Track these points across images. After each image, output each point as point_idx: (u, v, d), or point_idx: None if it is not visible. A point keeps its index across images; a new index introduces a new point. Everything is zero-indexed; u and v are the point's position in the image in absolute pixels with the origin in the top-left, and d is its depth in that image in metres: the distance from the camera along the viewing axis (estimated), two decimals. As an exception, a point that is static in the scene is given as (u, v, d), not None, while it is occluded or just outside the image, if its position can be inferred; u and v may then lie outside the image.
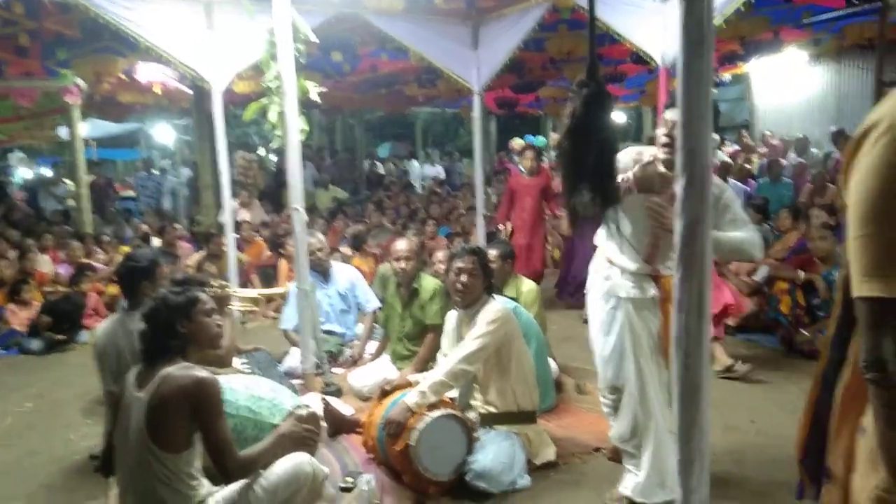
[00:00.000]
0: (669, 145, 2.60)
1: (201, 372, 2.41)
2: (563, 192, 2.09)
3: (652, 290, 2.81)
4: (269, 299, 7.07)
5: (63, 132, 11.88)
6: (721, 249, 2.60)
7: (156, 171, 14.04)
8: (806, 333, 4.98)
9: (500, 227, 6.90)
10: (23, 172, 18.00)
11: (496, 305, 3.33)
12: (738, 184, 9.25)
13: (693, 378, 2.04)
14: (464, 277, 3.32)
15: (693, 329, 2.04)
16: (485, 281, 3.40)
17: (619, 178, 2.48)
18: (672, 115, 2.62)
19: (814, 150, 10.90)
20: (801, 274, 5.19)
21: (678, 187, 2.06)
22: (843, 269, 1.40)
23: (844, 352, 1.47)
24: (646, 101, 12.73)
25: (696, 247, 2.04)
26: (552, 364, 4.26)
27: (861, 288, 1.05)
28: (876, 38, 7.49)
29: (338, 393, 4.29)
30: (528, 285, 4.55)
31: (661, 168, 2.63)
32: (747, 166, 11.00)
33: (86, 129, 12.12)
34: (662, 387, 2.84)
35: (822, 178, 8.31)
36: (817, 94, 12.76)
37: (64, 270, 7.22)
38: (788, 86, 12.79)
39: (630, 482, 2.92)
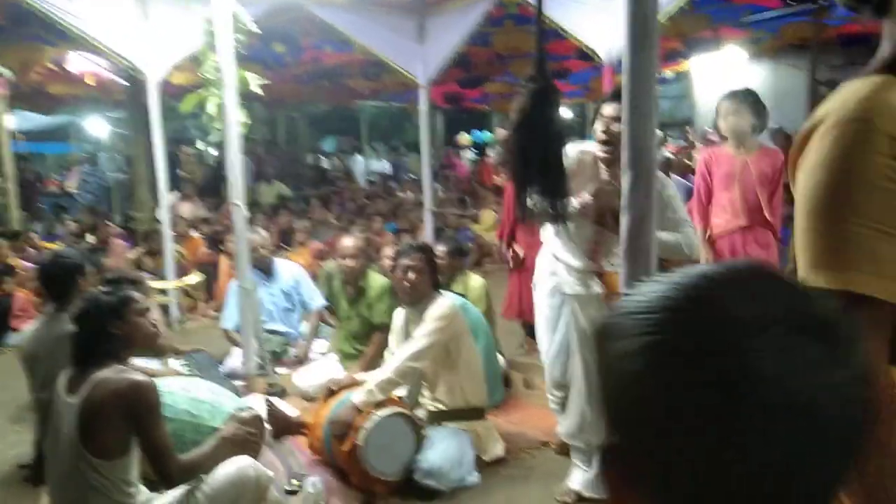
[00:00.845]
0: (608, 142, 2.60)
1: (137, 375, 2.31)
2: (512, 188, 2.06)
3: (596, 287, 2.81)
4: (210, 297, 6.88)
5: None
6: (659, 248, 2.63)
7: (97, 166, 13.55)
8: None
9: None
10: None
11: (444, 302, 3.30)
12: (681, 179, 9.45)
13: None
14: (410, 275, 3.28)
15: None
16: (432, 278, 3.36)
17: (576, 202, 2.47)
18: (610, 109, 2.61)
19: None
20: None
21: (624, 183, 2.07)
22: (791, 262, 1.40)
23: None
24: (590, 97, 12.87)
25: (641, 242, 2.05)
26: (500, 359, 4.25)
27: (808, 279, 1.06)
28: (811, 39, 7.75)
29: (282, 394, 4.19)
30: (476, 281, 4.53)
31: (603, 168, 2.62)
32: (687, 162, 11.26)
33: (12, 121, 11.56)
34: None
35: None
36: (756, 91, 13.14)
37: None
38: (728, 83, 13.11)
39: (579, 477, 2.93)
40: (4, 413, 4.36)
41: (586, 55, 6.19)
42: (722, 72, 12.61)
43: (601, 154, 2.58)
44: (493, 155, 18.50)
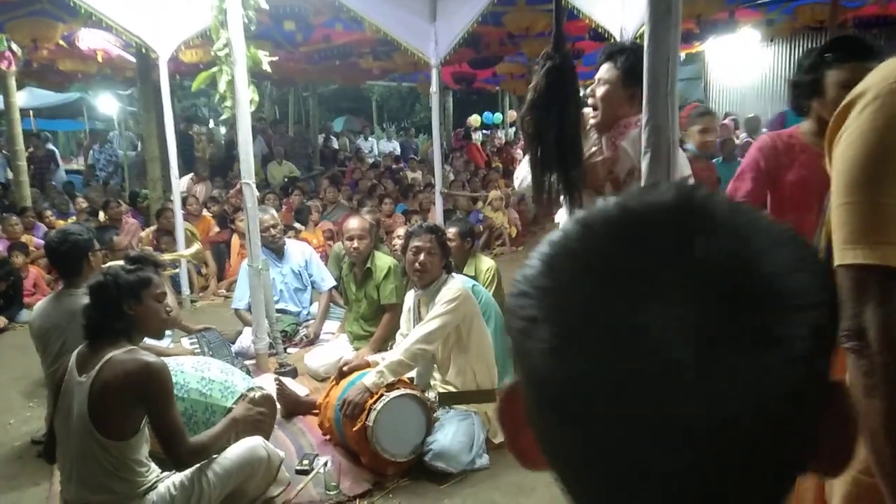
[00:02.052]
0: (594, 107, 2.39)
1: (149, 356, 2.30)
2: (529, 167, 2.02)
3: None
4: (220, 278, 6.90)
5: (-2, 101, 11.32)
6: None
7: (108, 144, 13.57)
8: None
9: None
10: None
11: (455, 284, 3.28)
12: (693, 162, 9.38)
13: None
14: (422, 256, 3.25)
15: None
16: (443, 259, 3.34)
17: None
18: (603, 72, 2.47)
19: (764, 129, 11.10)
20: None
21: (643, 164, 2.03)
22: (824, 240, 1.38)
23: None
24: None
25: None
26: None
27: (844, 256, 1.02)
28: (827, 20, 7.62)
29: (293, 373, 4.19)
30: (487, 263, 4.50)
31: (594, 135, 2.47)
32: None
33: (23, 98, 11.56)
34: None
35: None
36: (769, 74, 12.99)
37: (2, 246, 6.89)
38: (742, 65, 12.99)
39: None
40: (17, 389, 4.38)
41: (600, 35, 6.11)
42: (736, 54, 12.47)
43: (591, 120, 2.45)
44: (500, 136, 18.43)
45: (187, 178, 9.03)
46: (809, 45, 11.98)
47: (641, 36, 4.99)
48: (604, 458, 0.39)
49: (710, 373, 0.36)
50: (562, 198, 2.08)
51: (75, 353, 2.36)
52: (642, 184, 1.97)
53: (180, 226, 5.96)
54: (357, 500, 2.89)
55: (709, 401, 0.36)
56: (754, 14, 9.46)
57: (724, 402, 0.36)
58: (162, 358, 2.39)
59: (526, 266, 0.44)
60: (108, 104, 17.04)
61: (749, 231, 0.40)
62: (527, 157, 2.30)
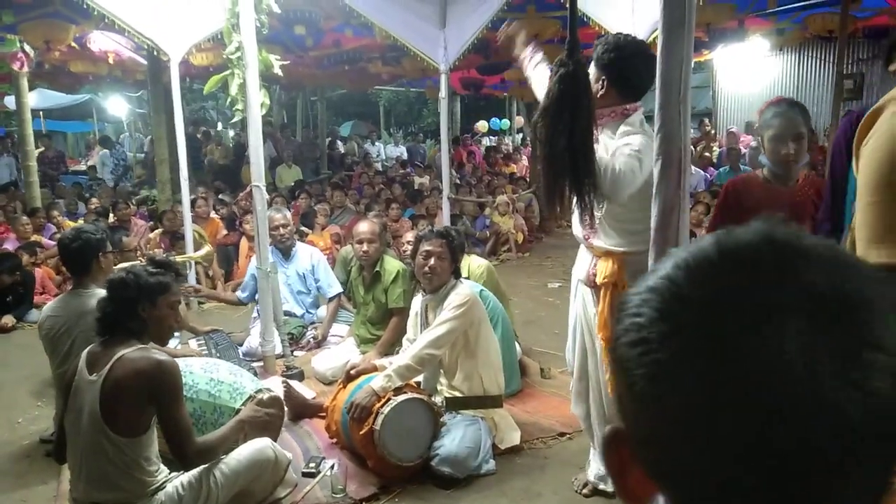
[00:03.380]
0: None
1: (160, 355, 2.31)
2: (541, 173, 2.03)
3: (598, 270, 2.62)
4: (228, 279, 6.92)
5: (9, 101, 11.39)
6: None
7: (118, 147, 13.69)
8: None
9: None
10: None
11: (463, 290, 3.28)
12: (700, 171, 9.38)
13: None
14: (432, 261, 3.26)
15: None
16: (452, 264, 3.34)
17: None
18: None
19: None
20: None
21: (654, 171, 2.03)
22: (851, 232, 1.37)
23: None
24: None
25: (669, 233, 2.02)
26: (517, 348, 4.23)
27: (869, 254, 1.01)
28: (837, 30, 7.62)
29: (300, 376, 4.20)
30: (477, 262, 4.49)
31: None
32: (707, 154, 11.16)
33: (33, 99, 11.64)
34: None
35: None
36: (778, 84, 12.98)
37: (11, 246, 6.93)
38: (750, 74, 12.99)
39: (595, 469, 2.91)
40: (26, 388, 4.40)
41: (610, 43, 6.10)
42: (745, 63, 12.47)
43: None
44: (508, 142, 18.45)
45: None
46: (819, 55, 11.99)
47: (652, 43, 5.00)
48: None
49: (839, 382, 0.40)
50: (573, 205, 2.08)
51: (85, 352, 2.38)
52: (654, 190, 1.97)
53: (189, 228, 5.99)
54: (363, 504, 2.89)
55: (837, 408, 0.40)
56: (764, 23, 9.46)
57: (851, 408, 0.40)
58: (176, 360, 2.41)
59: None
60: (117, 106, 17.17)
61: (829, 256, 0.44)
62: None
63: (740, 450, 0.41)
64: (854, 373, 0.40)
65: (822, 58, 11.91)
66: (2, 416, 4.00)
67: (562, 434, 3.45)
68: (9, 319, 5.83)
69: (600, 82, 2.49)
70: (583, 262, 2.72)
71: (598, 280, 2.54)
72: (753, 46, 10.44)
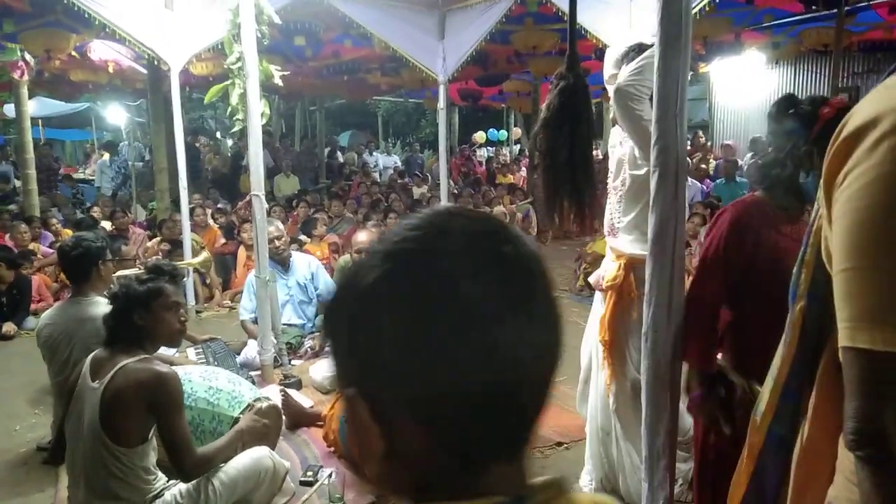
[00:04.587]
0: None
1: (161, 366, 2.32)
2: (541, 185, 2.05)
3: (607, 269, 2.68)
4: (226, 288, 6.93)
5: (10, 110, 11.42)
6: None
7: (118, 155, 13.69)
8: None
9: None
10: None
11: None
12: (696, 182, 9.44)
13: (661, 374, 2.05)
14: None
15: (662, 324, 2.04)
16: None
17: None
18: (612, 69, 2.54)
19: (771, 150, 11.16)
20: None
21: (651, 184, 2.06)
22: (801, 299, 1.20)
23: (801, 401, 1.24)
24: (608, 97, 12.82)
25: (667, 243, 2.04)
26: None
27: (854, 337, 0.79)
28: (832, 44, 7.68)
29: (297, 385, 4.20)
30: None
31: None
32: (703, 166, 11.21)
33: (32, 107, 11.66)
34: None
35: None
36: (774, 96, 13.06)
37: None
38: (746, 87, 13.07)
39: (587, 479, 2.92)
40: (23, 396, 4.40)
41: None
42: (741, 76, 12.55)
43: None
44: (505, 153, 18.51)
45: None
46: (814, 69, 12.08)
47: (648, 56, 5.05)
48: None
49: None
50: (573, 216, 2.11)
51: (89, 358, 2.39)
52: (651, 201, 2.00)
53: (188, 235, 6.00)
54: (361, 513, 2.89)
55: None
56: (760, 36, 9.53)
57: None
58: (174, 368, 2.41)
59: None
60: (116, 115, 17.17)
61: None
62: None
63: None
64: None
65: (818, 71, 12.00)
66: (-1, 424, 4.00)
67: (559, 444, 3.46)
68: (10, 327, 5.83)
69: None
70: (603, 266, 2.77)
71: (605, 283, 2.56)
72: (750, 59, 10.52)
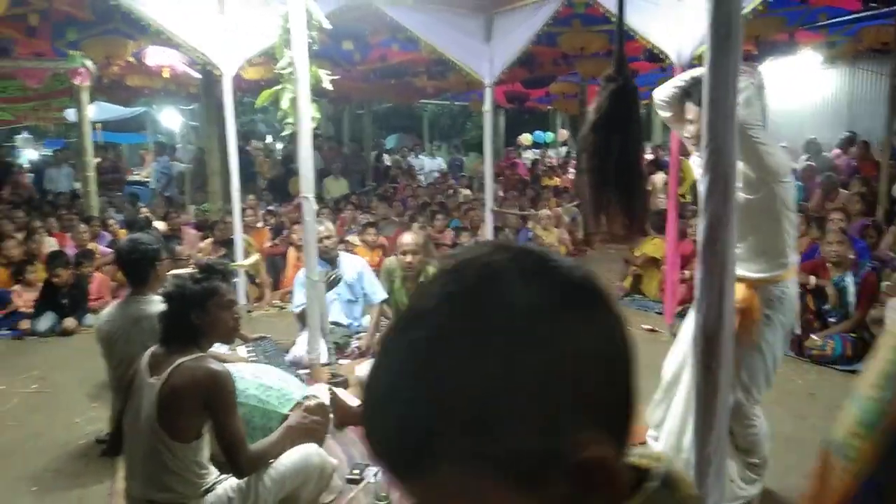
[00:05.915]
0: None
1: (216, 365, 2.38)
2: (588, 188, 2.05)
3: None
4: (276, 287, 7.06)
5: (70, 114, 11.86)
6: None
7: (166, 157, 14.08)
8: (816, 339, 4.95)
9: None
10: (28, 154, 18.00)
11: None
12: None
13: (711, 381, 2.02)
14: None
15: (712, 331, 2.01)
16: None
17: None
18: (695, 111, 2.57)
19: (825, 153, 10.85)
20: (813, 279, 5.15)
21: (701, 187, 2.03)
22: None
23: None
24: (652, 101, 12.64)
25: (717, 247, 2.01)
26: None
27: None
28: (892, 43, 7.43)
29: (345, 384, 4.26)
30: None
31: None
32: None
33: (92, 111, 12.09)
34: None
35: (831, 182, 8.26)
36: (830, 97, 12.69)
37: (70, 253, 7.20)
38: (800, 88, 12.72)
39: None
40: (83, 390, 4.57)
41: (655, 57, 6.09)
42: (794, 76, 12.22)
43: (696, 158, 2.63)
44: (552, 155, 18.40)
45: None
46: (872, 68, 11.68)
47: (698, 57, 4.96)
48: None
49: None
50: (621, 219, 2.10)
51: (148, 353, 2.46)
52: (701, 206, 1.97)
53: (239, 236, 6.14)
54: (406, 512, 2.92)
55: None
56: (815, 36, 9.28)
57: None
58: (227, 366, 2.47)
59: None
60: (171, 118, 17.72)
61: None
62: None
63: None
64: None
65: (877, 71, 11.59)
66: (60, 417, 4.16)
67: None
68: (71, 323, 6.05)
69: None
70: None
71: None
72: (804, 60, 10.25)
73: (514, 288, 0.50)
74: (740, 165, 2.47)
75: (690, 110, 2.55)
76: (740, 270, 2.59)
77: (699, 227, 2.02)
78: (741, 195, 2.49)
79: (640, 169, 2.03)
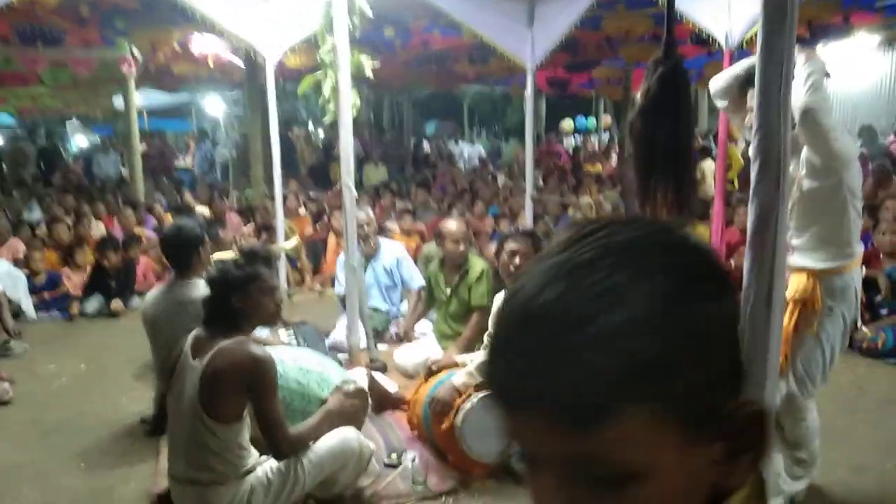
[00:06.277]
0: None
1: (257, 349, 2.41)
2: (634, 174, 2.00)
3: None
4: (316, 273, 7.13)
5: (118, 101, 12.12)
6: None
7: (205, 143, 14.33)
8: (866, 331, 4.79)
9: None
10: (78, 140, 18.49)
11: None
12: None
13: (756, 371, 1.96)
14: (517, 260, 3.26)
15: (760, 320, 1.96)
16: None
17: None
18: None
19: (882, 139, 10.49)
20: (864, 270, 4.97)
21: (753, 170, 1.97)
22: None
23: None
24: (703, 84, 12.35)
25: (767, 235, 1.95)
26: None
27: None
28: (954, 23, 7.12)
29: (383, 369, 4.29)
30: (480, 265, 4.43)
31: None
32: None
33: (138, 99, 12.35)
34: None
35: (884, 170, 7.97)
36: (886, 80, 12.24)
37: (117, 237, 7.37)
38: (855, 72, 12.29)
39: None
40: (129, 371, 4.69)
41: (702, 40, 5.93)
42: (849, 59, 11.80)
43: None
44: (594, 141, 18.15)
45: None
46: (932, 51, 11.23)
47: (748, 41, 4.81)
48: None
49: None
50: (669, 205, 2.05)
51: (191, 336, 2.51)
52: (751, 191, 1.91)
53: (281, 222, 6.21)
54: (443, 497, 2.93)
55: None
56: (871, 17, 8.93)
57: None
58: (268, 350, 2.50)
59: None
60: (214, 106, 17.98)
61: None
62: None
63: None
64: None
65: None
66: (106, 397, 4.27)
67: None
68: (118, 305, 6.21)
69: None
70: None
71: (788, 296, 2.51)
72: (859, 42, 9.88)
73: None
74: (805, 152, 2.39)
75: (753, 98, 2.46)
76: (803, 260, 2.51)
77: (749, 214, 1.96)
78: (806, 182, 2.41)
79: (689, 155, 1.97)
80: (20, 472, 3.31)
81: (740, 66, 2.48)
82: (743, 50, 5.42)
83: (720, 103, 2.56)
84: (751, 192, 1.93)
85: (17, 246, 6.71)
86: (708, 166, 9.61)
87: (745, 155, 10.66)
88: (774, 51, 1.90)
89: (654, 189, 1.99)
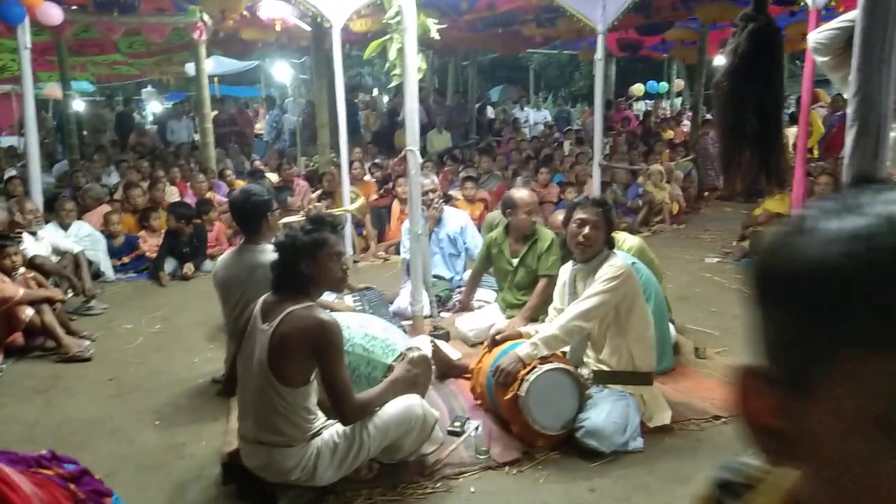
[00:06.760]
0: None
1: (324, 314, 2.43)
2: (719, 139, 1.88)
3: None
4: (380, 240, 7.16)
5: (190, 68, 12.38)
6: None
7: (273, 110, 14.51)
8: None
9: None
10: (153, 106, 19.05)
11: (617, 261, 3.16)
12: None
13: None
14: (586, 229, 3.16)
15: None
16: (607, 234, 3.23)
17: None
18: None
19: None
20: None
21: (848, 137, 1.83)
22: None
23: None
24: (787, 46, 11.72)
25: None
26: (670, 325, 4.05)
27: None
28: None
29: (446, 337, 4.28)
30: (630, 241, 4.29)
31: None
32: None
33: (209, 65, 12.59)
34: None
35: None
36: None
37: (190, 202, 7.58)
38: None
39: None
40: (201, 332, 4.83)
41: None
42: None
43: None
44: (666, 106, 17.55)
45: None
46: None
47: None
48: None
49: None
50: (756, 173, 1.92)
51: (261, 300, 2.55)
52: (846, 160, 1.78)
53: (347, 187, 6.25)
54: (506, 467, 2.91)
55: None
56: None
57: None
58: (334, 316, 2.52)
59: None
60: (282, 72, 18.19)
61: None
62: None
63: None
64: None
65: None
66: (181, 357, 4.42)
67: (716, 417, 3.27)
68: (189, 268, 6.40)
69: None
70: None
71: None
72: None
73: None
74: None
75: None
76: None
77: (844, 182, 1.83)
78: None
79: (780, 119, 1.84)
80: (98, 427, 3.46)
81: (847, 18, 2.28)
82: (830, 9, 5.08)
83: (819, 58, 2.37)
84: (846, 160, 1.80)
85: (104, 212, 6.97)
86: (791, 132, 9.17)
87: (825, 122, 10.11)
88: (878, 8, 1.75)
89: (742, 155, 1.86)
